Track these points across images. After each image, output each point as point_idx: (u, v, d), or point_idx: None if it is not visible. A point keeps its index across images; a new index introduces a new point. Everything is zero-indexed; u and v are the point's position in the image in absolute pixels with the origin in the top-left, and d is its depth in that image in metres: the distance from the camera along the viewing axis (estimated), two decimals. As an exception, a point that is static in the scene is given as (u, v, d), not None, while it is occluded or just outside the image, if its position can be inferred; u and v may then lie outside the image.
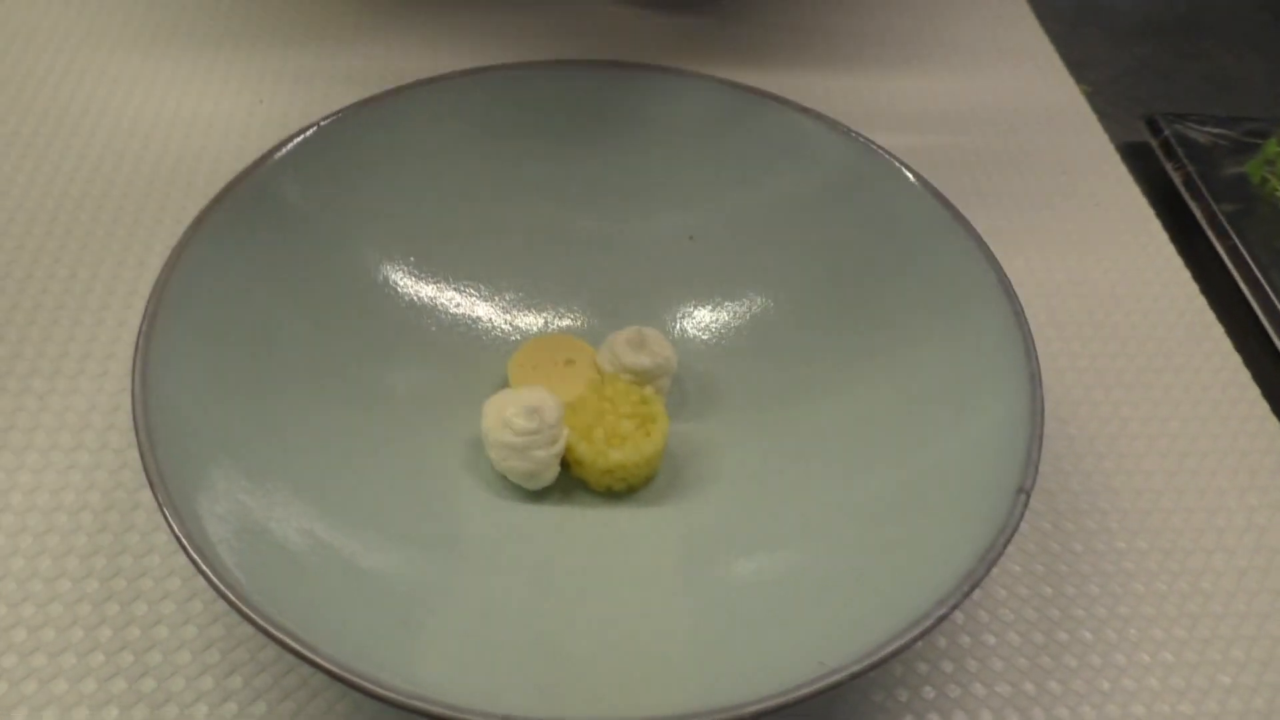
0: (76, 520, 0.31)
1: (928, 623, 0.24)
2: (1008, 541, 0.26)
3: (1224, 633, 0.32)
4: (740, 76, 0.37)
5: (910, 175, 0.33)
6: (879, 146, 0.34)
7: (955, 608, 0.24)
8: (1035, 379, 0.29)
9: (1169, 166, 0.46)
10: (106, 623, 0.29)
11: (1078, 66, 0.53)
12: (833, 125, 0.35)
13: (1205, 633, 0.32)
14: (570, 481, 0.32)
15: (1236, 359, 0.39)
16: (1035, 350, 0.30)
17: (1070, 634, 0.32)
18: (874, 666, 0.23)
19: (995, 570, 0.33)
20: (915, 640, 0.24)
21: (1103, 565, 0.33)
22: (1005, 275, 0.31)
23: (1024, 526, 0.34)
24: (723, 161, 0.35)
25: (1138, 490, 0.35)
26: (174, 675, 0.29)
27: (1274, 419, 0.38)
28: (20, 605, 0.29)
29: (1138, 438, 0.37)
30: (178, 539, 0.24)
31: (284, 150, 0.33)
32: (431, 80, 0.35)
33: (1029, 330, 0.30)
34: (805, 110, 0.35)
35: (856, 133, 0.34)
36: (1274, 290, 0.40)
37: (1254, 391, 0.38)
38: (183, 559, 0.30)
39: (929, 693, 0.30)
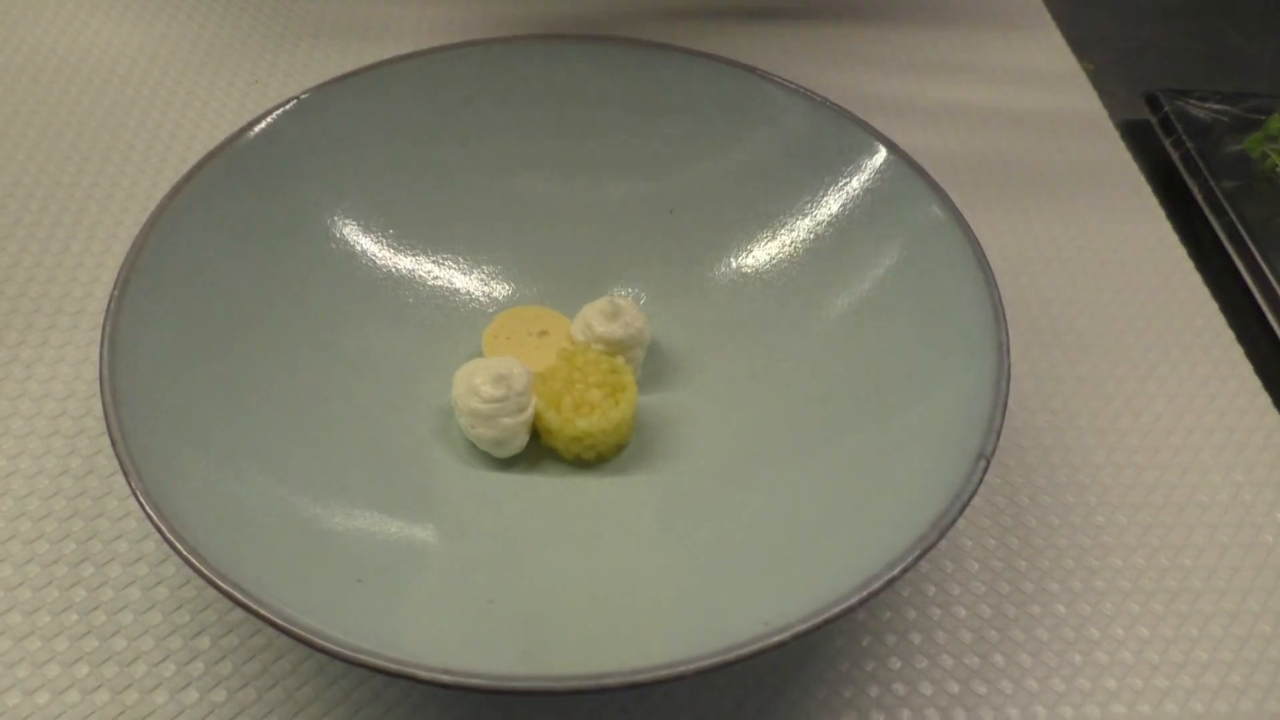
0: (57, 484, 0.32)
1: (875, 585, 0.24)
2: (963, 507, 0.25)
3: (1203, 608, 0.32)
4: (740, 52, 0.37)
5: (880, 143, 0.33)
6: (851, 115, 0.34)
7: (905, 572, 0.24)
8: (1003, 348, 0.29)
9: (1167, 143, 0.45)
10: (81, 584, 0.30)
11: (1082, 45, 0.52)
12: (805, 94, 0.34)
13: (1183, 608, 0.32)
14: (541, 450, 0.32)
15: (1229, 335, 0.39)
16: (1005, 319, 0.29)
17: (1044, 607, 0.31)
18: (816, 628, 0.23)
19: (969, 543, 0.33)
20: (861, 603, 0.24)
21: (1079, 539, 0.33)
22: (978, 243, 0.31)
23: (999, 500, 0.34)
24: (698, 132, 0.35)
25: (1119, 466, 0.35)
26: (144, 635, 0.29)
27: (1265, 395, 0.37)
28: (-3, 566, 0.30)
29: (1122, 414, 0.36)
30: (133, 492, 0.24)
31: (263, 123, 0.34)
32: (409, 56, 0.36)
33: (999, 299, 0.30)
34: (784, 83, 0.35)
35: (829, 101, 0.34)
36: (1270, 268, 0.39)
37: (1246, 368, 0.38)
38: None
39: (895, 663, 0.30)
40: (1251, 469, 0.35)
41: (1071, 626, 0.31)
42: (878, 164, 0.33)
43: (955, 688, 0.30)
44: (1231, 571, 0.32)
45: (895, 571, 0.24)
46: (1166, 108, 0.46)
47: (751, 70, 0.35)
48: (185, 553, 0.23)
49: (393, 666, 0.22)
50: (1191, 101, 0.46)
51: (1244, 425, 0.36)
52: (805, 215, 0.34)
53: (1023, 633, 0.31)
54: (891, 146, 0.33)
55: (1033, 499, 0.34)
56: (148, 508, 0.24)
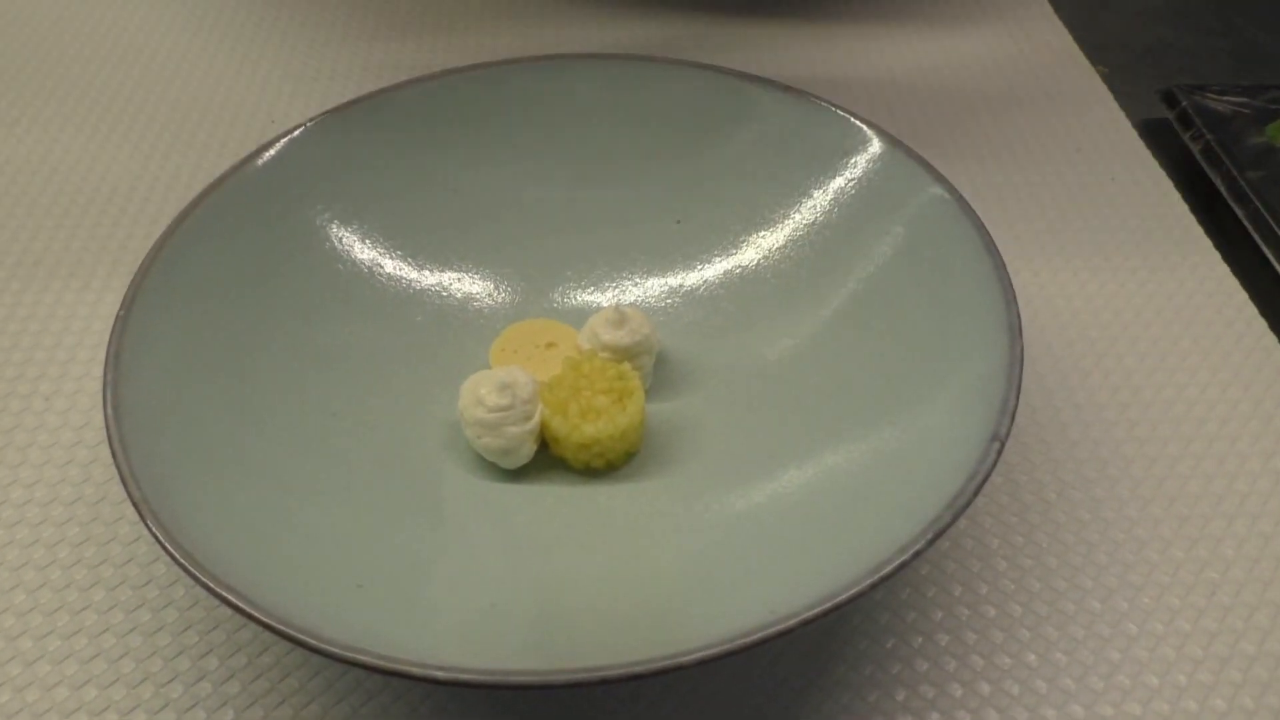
0: (71, 511, 0.32)
1: (887, 569, 0.23)
2: (978, 489, 0.25)
3: (1247, 599, 0.30)
4: (747, 64, 0.37)
5: (873, 132, 0.33)
6: (840, 107, 0.34)
7: (917, 555, 0.23)
8: (1014, 330, 0.28)
9: (1186, 137, 0.44)
10: (91, 608, 0.30)
11: (1097, 49, 0.52)
12: (788, 92, 0.34)
13: (1226, 599, 0.30)
14: (550, 460, 0.32)
15: (1262, 324, 0.37)
16: (1016, 302, 0.29)
17: (1077, 604, 0.30)
18: (826, 614, 0.22)
19: (995, 541, 0.31)
20: (873, 587, 0.23)
21: (1112, 534, 0.31)
22: (984, 228, 0.30)
23: (1026, 497, 0.32)
24: (695, 140, 0.36)
25: (1151, 458, 0.33)
26: (152, 656, 0.29)
27: (1303, 382, 0.36)
28: (10, 593, 0.30)
29: (1152, 405, 0.35)
30: (130, 498, 0.24)
31: (272, 149, 0.34)
32: (412, 81, 0.36)
33: (1009, 280, 0.29)
34: (768, 82, 0.35)
35: (813, 96, 0.34)
36: (1301, 252, 0.38)
37: (1281, 355, 0.36)
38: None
39: (923, 665, 0.29)
40: (1292, 456, 0.33)
41: (1107, 623, 0.30)
42: (873, 154, 0.32)
43: (986, 689, 0.28)
44: (1277, 560, 0.31)
45: (907, 555, 0.23)
46: (1184, 102, 0.45)
47: (735, 73, 0.35)
48: (180, 558, 0.23)
49: (383, 664, 0.21)
50: (1209, 95, 0.45)
51: (1282, 413, 0.35)
52: (808, 212, 0.34)
53: (1056, 630, 0.29)
54: (885, 135, 0.32)
55: (1060, 494, 0.32)
56: (144, 513, 0.24)
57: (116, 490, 0.33)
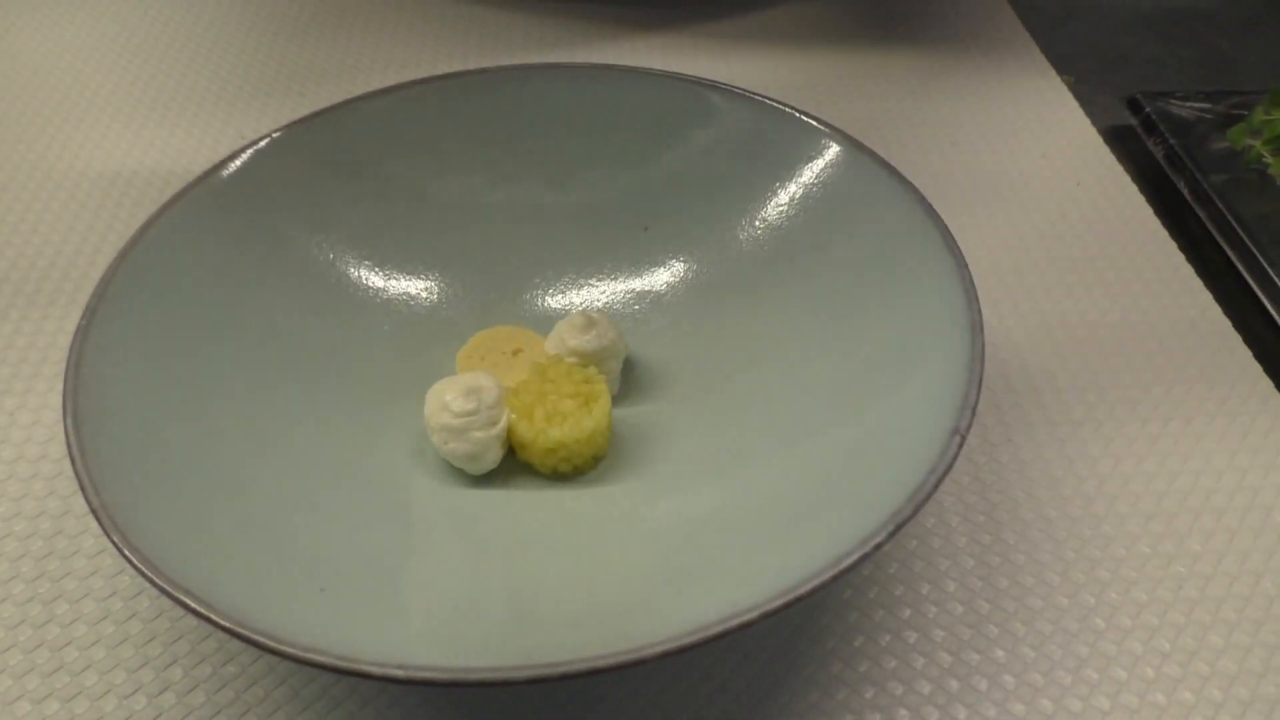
0: (34, 525, 0.32)
1: (848, 561, 0.23)
2: (939, 482, 0.25)
3: (1214, 593, 0.30)
4: (715, 71, 0.37)
5: (833, 136, 0.33)
6: (801, 112, 0.34)
7: (879, 548, 0.23)
8: (975, 327, 0.28)
9: (1150, 143, 0.45)
10: (54, 621, 0.30)
11: (1063, 59, 0.52)
12: (749, 98, 0.35)
13: (1193, 593, 0.30)
14: (517, 466, 0.32)
15: (1226, 323, 0.38)
16: (977, 299, 0.29)
17: (1044, 600, 0.30)
18: (787, 606, 0.22)
19: (963, 540, 0.31)
20: (834, 579, 0.23)
21: (1079, 530, 0.32)
22: (946, 227, 0.30)
23: (994, 495, 0.32)
24: (662, 149, 0.36)
25: (1117, 455, 0.34)
26: (116, 668, 0.29)
27: (1266, 380, 0.36)
28: (-28, 606, 0.30)
29: (1117, 403, 0.35)
30: (90, 507, 0.24)
31: (239, 160, 0.34)
32: (380, 92, 0.36)
33: (971, 281, 0.29)
34: (729, 89, 0.35)
35: (789, 106, 0.34)
36: (1261, 253, 0.39)
37: (1245, 354, 0.37)
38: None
39: (891, 663, 0.29)
40: (1257, 453, 0.34)
41: (1074, 618, 0.30)
42: (835, 157, 0.33)
43: (955, 685, 0.28)
44: (1242, 555, 0.31)
45: (868, 548, 0.23)
46: (1148, 109, 0.46)
47: (695, 80, 0.35)
48: (138, 563, 0.23)
49: (340, 664, 0.21)
50: (1173, 102, 0.46)
51: (1247, 410, 0.35)
52: (773, 216, 0.34)
53: (1023, 625, 0.29)
54: (846, 139, 0.33)
55: (1027, 493, 0.33)
56: (102, 519, 0.24)
57: (80, 504, 0.32)
